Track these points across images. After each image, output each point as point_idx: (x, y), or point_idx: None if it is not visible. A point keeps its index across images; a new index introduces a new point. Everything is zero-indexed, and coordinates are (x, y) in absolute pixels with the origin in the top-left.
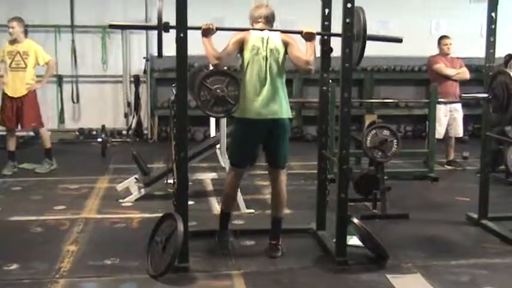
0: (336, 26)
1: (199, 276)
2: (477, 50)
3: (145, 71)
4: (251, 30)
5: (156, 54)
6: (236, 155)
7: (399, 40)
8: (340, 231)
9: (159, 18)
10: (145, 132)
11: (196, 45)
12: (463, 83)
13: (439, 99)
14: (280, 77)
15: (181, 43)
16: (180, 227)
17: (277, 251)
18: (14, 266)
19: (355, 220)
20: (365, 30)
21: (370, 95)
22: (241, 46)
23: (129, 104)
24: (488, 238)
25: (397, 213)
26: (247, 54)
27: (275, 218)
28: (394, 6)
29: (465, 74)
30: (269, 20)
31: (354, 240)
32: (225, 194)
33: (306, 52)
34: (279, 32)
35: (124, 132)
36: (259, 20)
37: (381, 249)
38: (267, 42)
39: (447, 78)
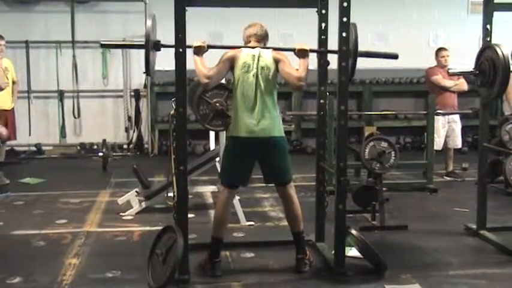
0: (333, 40)
1: None
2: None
3: (145, 86)
4: (242, 48)
5: (156, 68)
6: (227, 174)
7: (395, 56)
8: (339, 243)
9: (147, 37)
10: (146, 146)
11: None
12: (461, 94)
13: (437, 111)
14: (272, 94)
15: (180, 58)
16: (180, 239)
17: (304, 265)
18: (17, 279)
19: (354, 231)
20: (356, 45)
21: (369, 107)
22: (231, 64)
23: (129, 118)
24: (486, 248)
25: (395, 224)
26: (237, 72)
27: (294, 233)
28: (392, 18)
29: (463, 85)
30: (261, 38)
31: (352, 252)
32: (216, 218)
33: (299, 68)
34: (270, 50)
35: (125, 146)
36: (251, 38)
37: (379, 260)
38: (258, 60)
39: (445, 89)
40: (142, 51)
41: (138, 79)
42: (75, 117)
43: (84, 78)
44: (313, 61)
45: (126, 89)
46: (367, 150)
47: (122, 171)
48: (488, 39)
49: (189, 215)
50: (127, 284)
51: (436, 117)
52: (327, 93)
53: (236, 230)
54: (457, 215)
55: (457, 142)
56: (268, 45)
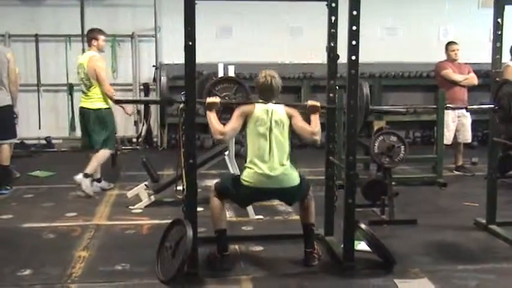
0: (343, 34)
1: (208, 281)
2: (486, 56)
3: (154, 79)
4: (256, 103)
5: (166, 62)
6: (226, 195)
7: (403, 113)
8: (347, 237)
9: (162, 94)
10: (155, 139)
11: (204, 53)
12: (471, 88)
13: (447, 105)
14: (285, 148)
15: (190, 51)
16: (189, 232)
17: (313, 259)
18: (27, 272)
19: (363, 225)
20: (368, 103)
21: (378, 102)
22: (245, 119)
23: (138, 112)
24: (496, 243)
25: (405, 218)
26: (251, 126)
27: (305, 225)
28: (402, 13)
29: (473, 79)
30: (275, 91)
31: (361, 246)
32: (213, 214)
33: (311, 123)
34: (283, 105)
35: (134, 140)
36: (265, 92)
37: (388, 254)
38: (272, 114)
39: (455, 84)
40: (152, 46)
41: (148, 73)
42: None
43: None
44: (323, 55)
45: (135, 82)
46: (376, 144)
47: (131, 164)
48: (499, 32)
49: (198, 209)
50: (136, 276)
51: (446, 111)
52: (337, 87)
53: (245, 223)
54: (466, 210)
55: (467, 136)
56: (277, 40)
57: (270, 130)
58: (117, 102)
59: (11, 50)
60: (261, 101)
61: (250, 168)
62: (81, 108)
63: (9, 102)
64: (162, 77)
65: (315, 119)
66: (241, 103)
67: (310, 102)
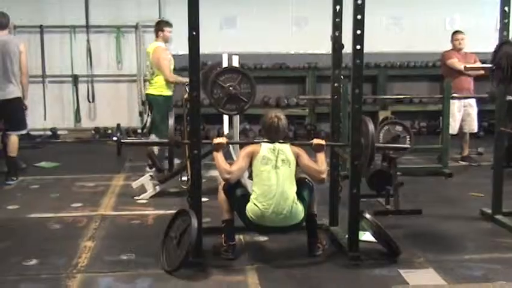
0: (347, 23)
1: (213, 271)
2: (492, 45)
3: None
4: (262, 143)
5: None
6: (233, 208)
7: (405, 148)
8: (352, 227)
9: (171, 137)
10: None
11: (209, 44)
12: (477, 78)
13: (453, 95)
14: (292, 185)
15: (194, 41)
16: (194, 223)
17: (317, 249)
18: (33, 262)
19: (368, 216)
20: (373, 142)
21: (383, 91)
22: (251, 158)
23: (143, 103)
24: (502, 233)
25: (410, 208)
26: (257, 165)
27: (307, 215)
28: (407, 1)
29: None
30: (281, 132)
31: (366, 236)
32: (221, 204)
33: (317, 162)
34: (288, 144)
35: (139, 130)
36: (271, 132)
37: (393, 245)
38: (278, 153)
39: (461, 73)
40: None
41: None
42: (89, 102)
43: (98, 63)
44: (327, 45)
45: (140, 73)
46: (381, 134)
47: (136, 155)
48: (506, 21)
49: (203, 199)
50: (141, 266)
51: (451, 101)
52: (342, 77)
53: None
54: (472, 200)
55: (473, 126)
56: (281, 30)
57: (277, 168)
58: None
59: (24, 42)
60: (266, 140)
61: (255, 204)
62: (146, 95)
63: (19, 95)
64: (170, 119)
65: (321, 157)
66: (247, 143)
67: (315, 141)
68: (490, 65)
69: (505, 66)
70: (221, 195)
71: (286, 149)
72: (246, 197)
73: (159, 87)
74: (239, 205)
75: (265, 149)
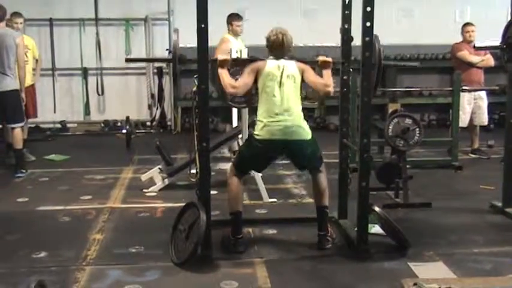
0: (357, 15)
1: (221, 263)
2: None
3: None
4: (267, 60)
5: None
6: (243, 164)
7: (414, 66)
8: (362, 220)
9: (174, 52)
10: (168, 123)
11: (217, 36)
12: (487, 70)
13: (463, 87)
14: (297, 101)
15: (203, 34)
16: (203, 215)
17: (326, 242)
18: (43, 254)
19: (377, 209)
20: (380, 59)
21: (393, 84)
22: (257, 74)
23: (152, 96)
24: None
25: (419, 202)
26: (262, 81)
27: (318, 207)
28: None
29: (490, 61)
30: (286, 48)
31: (375, 229)
32: (230, 196)
33: (324, 77)
34: (294, 61)
35: (148, 123)
36: (276, 49)
37: (402, 238)
38: (283, 69)
39: (471, 65)
40: (165, 29)
41: (161, 56)
42: (99, 95)
43: (107, 56)
44: (336, 38)
45: (149, 66)
46: (391, 127)
47: (145, 148)
48: None
49: (212, 192)
50: (150, 259)
51: (461, 93)
52: (351, 70)
53: (259, 206)
54: (482, 193)
55: (483, 119)
56: (290, 23)
57: (281, 84)
58: (128, 60)
59: (21, 35)
60: (272, 57)
61: (260, 121)
62: None
63: (16, 87)
64: (173, 35)
65: (327, 73)
66: (252, 60)
67: (321, 58)
68: (499, 44)
69: None
70: (232, 182)
71: (291, 65)
72: (250, 137)
73: None
74: (248, 147)
75: (270, 65)
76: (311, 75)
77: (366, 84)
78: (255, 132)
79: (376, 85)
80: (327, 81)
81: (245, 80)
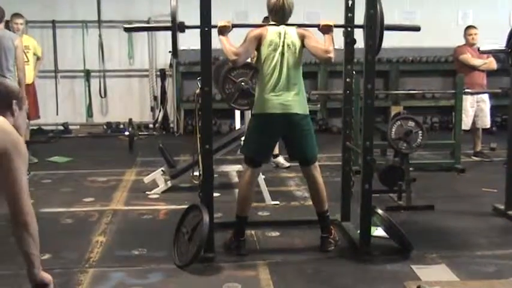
0: (360, 18)
1: (224, 266)
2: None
3: (171, 65)
4: (268, 26)
5: (182, 48)
6: (249, 147)
7: (417, 28)
8: (364, 222)
9: (173, 18)
10: (171, 125)
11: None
12: (490, 73)
13: (466, 90)
14: (297, 72)
15: (206, 37)
16: (206, 218)
17: (329, 244)
18: (46, 256)
19: (380, 211)
20: (382, 19)
21: (395, 87)
22: (258, 42)
23: (155, 98)
24: None
25: (422, 204)
26: (264, 50)
27: (318, 213)
28: None
29: (492, 64)
30: (286, 12)
31: (378, 231)
32: (240, 197)
33: (325, 42)
34: (295, 27)
35: (151, 125)
36: (276, 13)
37: (405, 240)
38: (284, 37)
39: (474, 68)
40: (168, 32)
41: (164, 59)
42: (101, 97)
43: (110, 58)
44: (339, 40)
45: (151, 68)
46: (393, 129)
47: (148, 150)
48: None
49: (215, 194)
50: (153, 261)
51: (464, 96)
52: (353, 72)
53: (261, 209)
54: (485, 196)
55: (486, 122)
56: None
57: (282, 55)
58: (127, 29)
59: (20, 37)
60: (273, 23)
61: (260, 95)
62: None
63: None
64: (172, 1)
65: (328, 38)
66: (255, 25)
67: (323, 22)
68: (504, 48)
69: None
70: (246, 176)
71: (291, 32)
72: (252, 118)
73: None
74: (252, 129)
75: (271, 32)
76: (312, 41)
77: (369, 86)
78: (255, 111)
79: (379, 47)
80: (328, 46)
81: (247, 46)
